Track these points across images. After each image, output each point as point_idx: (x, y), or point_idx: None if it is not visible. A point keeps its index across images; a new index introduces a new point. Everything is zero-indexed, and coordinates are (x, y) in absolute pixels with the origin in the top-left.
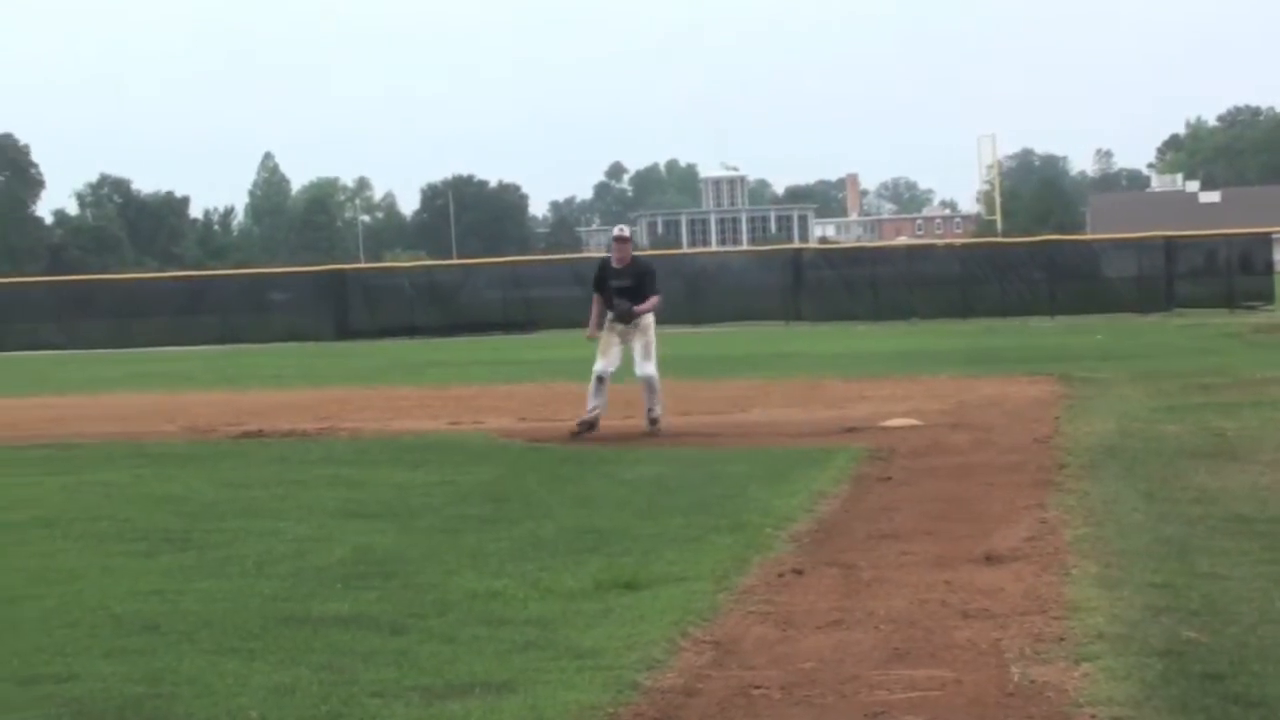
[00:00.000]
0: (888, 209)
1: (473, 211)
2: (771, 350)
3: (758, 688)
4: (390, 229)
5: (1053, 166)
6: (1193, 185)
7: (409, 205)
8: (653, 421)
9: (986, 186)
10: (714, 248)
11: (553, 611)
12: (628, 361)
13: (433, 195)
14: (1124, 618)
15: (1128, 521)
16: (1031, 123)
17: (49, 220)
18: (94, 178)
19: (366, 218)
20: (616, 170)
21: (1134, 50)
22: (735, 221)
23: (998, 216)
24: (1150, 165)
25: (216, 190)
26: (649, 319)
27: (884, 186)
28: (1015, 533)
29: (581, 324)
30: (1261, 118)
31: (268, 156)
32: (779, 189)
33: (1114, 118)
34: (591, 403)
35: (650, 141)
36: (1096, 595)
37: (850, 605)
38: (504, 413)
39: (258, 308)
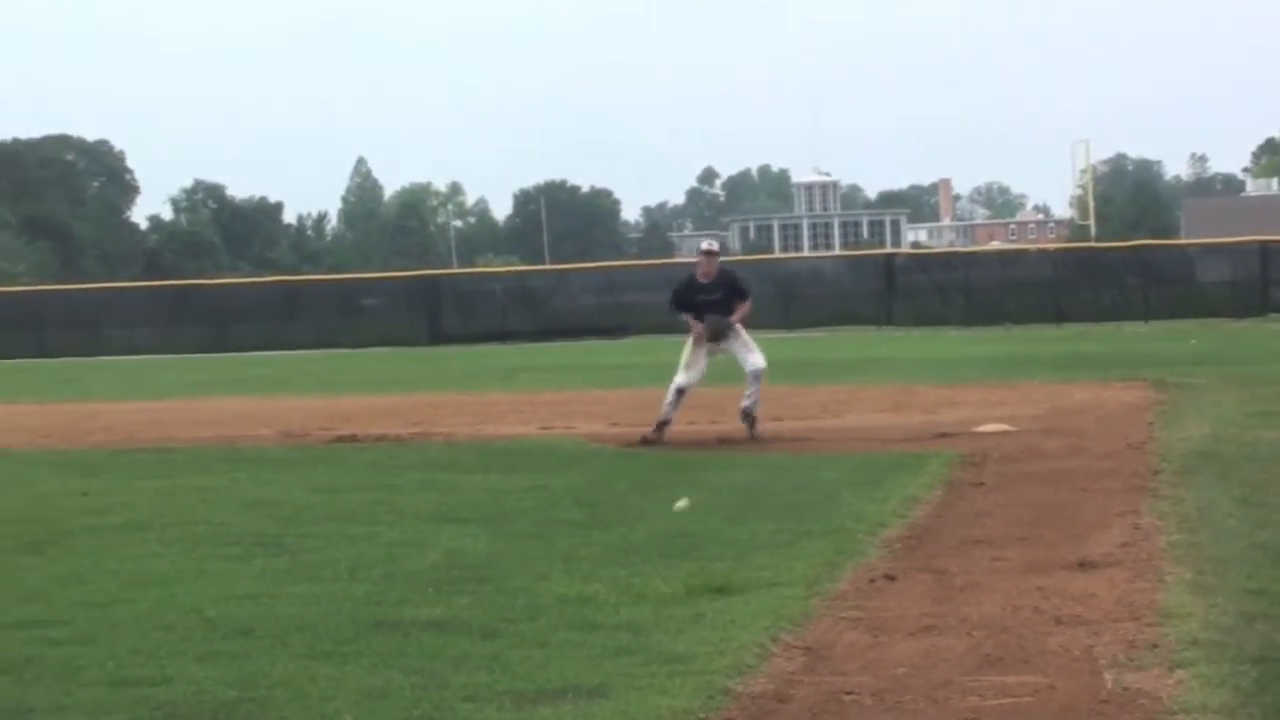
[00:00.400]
0: (980, 214)
1: (565, 217)
2: (864, 355)
3: (849, 693)
4: (483, 234)
5: (1146, 171)
6: None
7: (501, 210)
8: (747, 414)
9: (1080, 191)
10: (806, 253)
11: (644, 616)
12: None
13: (525, 200)
14: (1218, 624)
15: (1222, 527)
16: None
17: (144, 226)
18: (189, 183)
19: (459, 223)
20: (709, 175)
21: (1229, 53)
22: (827, 226)
23: (1091, 221)
24: (1245, 169)
25: (310, 195)
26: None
27: (977, 191)
28: (1108, 539)
29: (675, 330)
30: None
31: (361, 162)
32: (871, 194)
33: (1209, 121)
34: (667, 412)
35: (743, 146)
36: (1190, 601)
37: (942, 611)
38: (595, 418)
39: (351, 313)
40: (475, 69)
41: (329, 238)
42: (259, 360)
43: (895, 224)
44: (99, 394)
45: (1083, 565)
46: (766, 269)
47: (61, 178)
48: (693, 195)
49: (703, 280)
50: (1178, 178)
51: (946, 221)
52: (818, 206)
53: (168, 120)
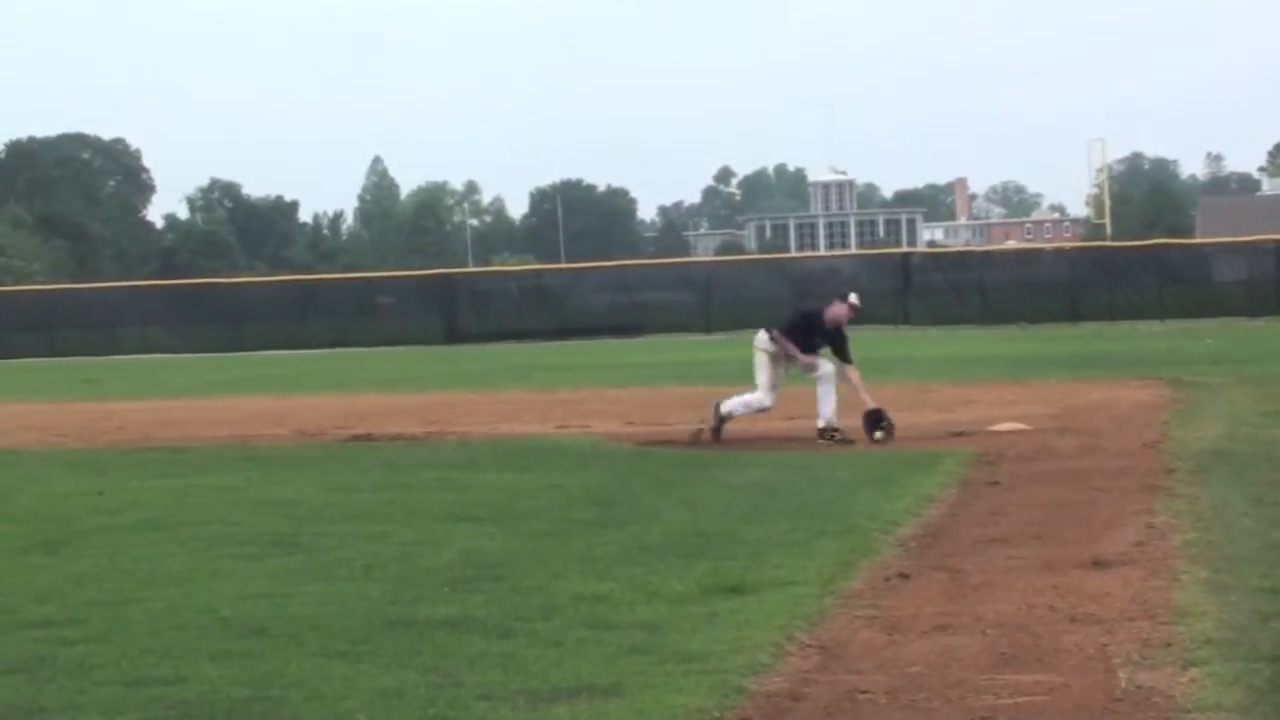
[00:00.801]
0: (996, 213)
1: (581, 216)
2: (879, 354)
3: (863, 692)
4: (499, 233)
5: (1162, 170)
6: None
7: (517, 209)
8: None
9: (1096, 190)
10: (822, 252)
11: (659, 615)
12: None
13: (541, 199)
14: (1232, 623)
15: (1237, 526)
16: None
17: (160, 225)
18: (204, 182)
19: (475, 222)
20: (725, 174)
21: (1245, 52)
22: (843, 225)
23: (1107, 220)
24: (1261, 169)
25: (326, 194)
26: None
27: (993, 190)
28: (1123, 538)
29: (690, 330)
30: None
31: (377, 160)
32: (887, 193)
33: (1225, 120)
34: (732, 417)
35: (759, 145)
36: (1205, 600)
37: (957, 610)
38: (611, 417)
39: (366, 312)
40: (492, 68)
41: (345, 237)
42: (274, 359)
43: (911, 223)
44: (112, 393)
45: (1097, 564)
46: (782, 268)
47: (77, 176)
48: (709, 194)
49: (829, 325)
50: (1193, 177)
51: (962, 220)
52: (834, 206)
53: (184, 119)
